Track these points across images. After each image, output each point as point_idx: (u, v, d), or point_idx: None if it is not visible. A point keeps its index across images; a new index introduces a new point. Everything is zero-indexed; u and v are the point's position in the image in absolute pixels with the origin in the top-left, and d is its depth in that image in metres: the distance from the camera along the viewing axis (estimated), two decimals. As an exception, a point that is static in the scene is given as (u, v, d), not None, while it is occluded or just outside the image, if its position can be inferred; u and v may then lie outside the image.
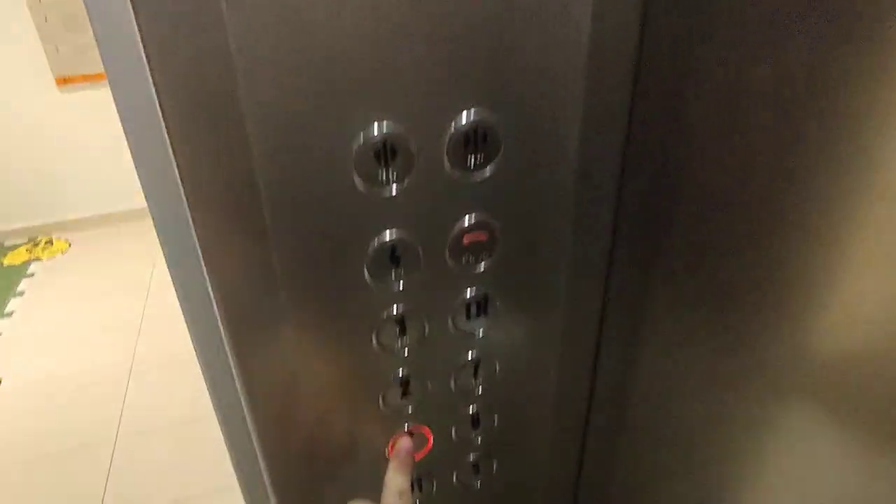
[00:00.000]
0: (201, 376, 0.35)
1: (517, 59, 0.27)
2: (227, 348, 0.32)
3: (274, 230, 0.29)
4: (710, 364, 0.32)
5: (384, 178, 0.29)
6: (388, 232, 0.30)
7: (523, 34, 0.27)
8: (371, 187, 0.29)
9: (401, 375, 0.35)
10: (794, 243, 0.25)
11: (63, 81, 2.73)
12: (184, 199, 0.28)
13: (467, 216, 0.31)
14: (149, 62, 0.24)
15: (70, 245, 2.96)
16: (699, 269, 0.31)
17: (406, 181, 0.29)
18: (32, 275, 2.72)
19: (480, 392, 0.38)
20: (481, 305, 0.34)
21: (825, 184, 0.23)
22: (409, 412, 0.37)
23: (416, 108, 0.28)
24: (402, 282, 0.32)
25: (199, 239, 0.29)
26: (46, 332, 2.32)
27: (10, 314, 2.43)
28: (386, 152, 0.28)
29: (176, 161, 0.27)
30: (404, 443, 0.38)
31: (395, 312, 0.33)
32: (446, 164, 0.29)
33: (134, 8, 0.23)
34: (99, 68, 2.62)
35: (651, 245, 0.34)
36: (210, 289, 0.30)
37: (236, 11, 0.24)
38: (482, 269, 0.33)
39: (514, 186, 0.31)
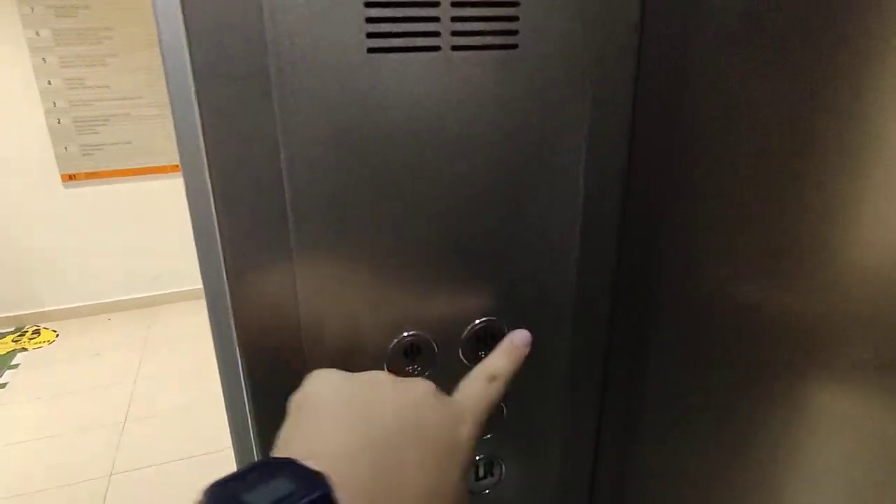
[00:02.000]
0: (187, 477, 0.39)
1: (516, 279, 0.35)
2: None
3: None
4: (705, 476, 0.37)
5: (411, 370, 0.35)
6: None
7: (520, 264, 0.35)
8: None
9: None
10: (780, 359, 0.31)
11: (68, 178, 2.84)
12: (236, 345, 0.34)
13: (477, 397, 0.37)
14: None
15: (57, 335, 2.95)
16: (691, 389, 0.37)
17: (427, 373, 0.36)
18: (17, 366, 2.70)
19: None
20: (488, 466, 0.40)
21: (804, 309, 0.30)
22: None
23: (439, 318, 0.35)
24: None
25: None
26: (26, 429, 2.27)
27: (-9, 408, 2.39)
28: (412, 350, 0.35)
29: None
30: (523, 335, 0.33)
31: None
32: (462, 358, 0.36)
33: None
34: (102, 167, 2.75)
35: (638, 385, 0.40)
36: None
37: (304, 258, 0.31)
38: (489, 435, 0.39)
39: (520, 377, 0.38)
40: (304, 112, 0.28)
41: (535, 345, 0.34)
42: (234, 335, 0.34)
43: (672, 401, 0.39)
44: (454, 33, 0.29)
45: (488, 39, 0.30)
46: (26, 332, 3.00)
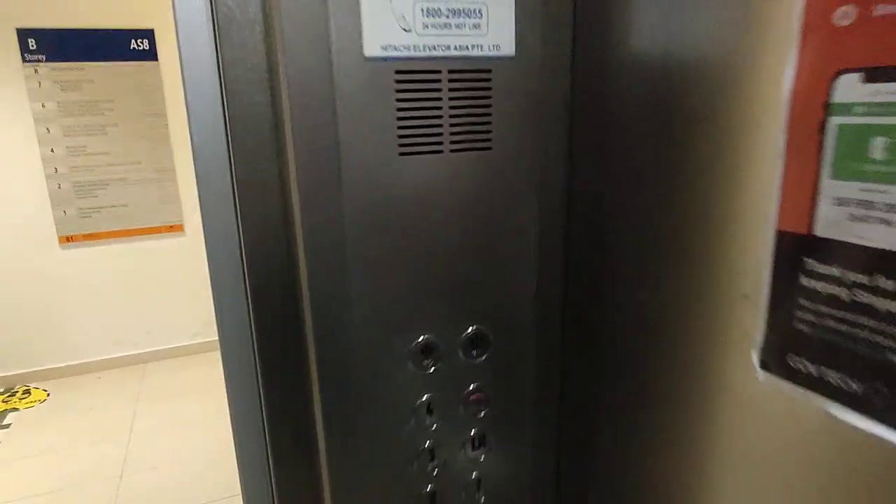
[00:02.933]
0: None
1: (493, 301, 0.51)
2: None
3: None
4: None
5: (426, 364, 0.51)
6: (426, 395, 0.52)
7: (496, 290, 0.51)
8: (417, 369, 0.51)
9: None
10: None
11: (66, 240, 2.96)
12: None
13: (472, 385, 0.53)
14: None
15: (49, 394, 2.99)
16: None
17: (439, 364, 0.51)
18: (8, 426, 2.72)
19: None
20: (481, 438, 0.55)
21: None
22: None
23: (444, 325, 0.51)
24: (434, 423, 0.53)
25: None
26: (24, 484, 2.29)
27: (-17, 468, 2.41)
28: (427, 349, 0.51)
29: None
30: None
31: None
32: (461, 355, 0.52)
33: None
34: (99, 228, 2.87)
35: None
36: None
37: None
38: (482, 416, 0.54)
39: (500, 368, 0.53)
40: (347, 188, 0.45)
41: (507, 348, 0.50)
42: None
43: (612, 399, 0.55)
44: (451, 141, 0.46)
45: (472, 144, 0.47)
46: (16, 391, 3.03)
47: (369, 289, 0.47)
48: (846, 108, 0.28)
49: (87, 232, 2.98)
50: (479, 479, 0.56)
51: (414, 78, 0.43)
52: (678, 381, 0.46)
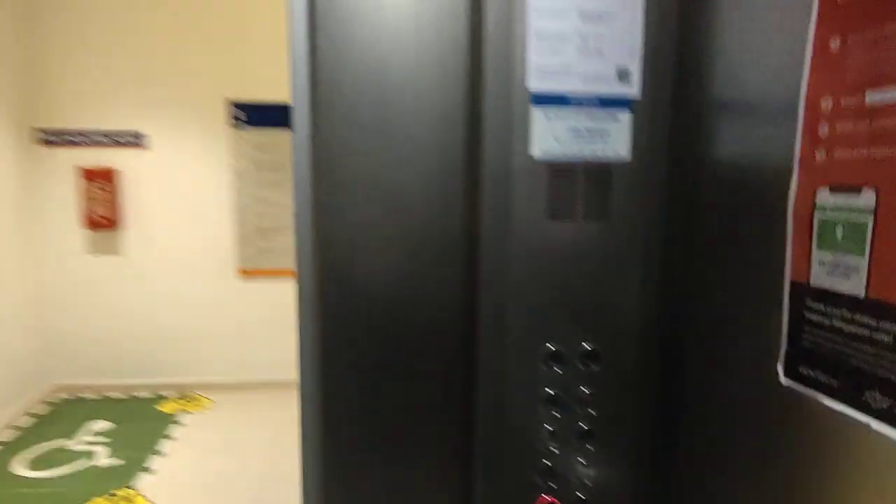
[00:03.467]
0: None
1: (610, 324, 0.72)
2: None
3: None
4: None
5: (553, 366, 0.73)
6: (550, 389, 0.73)
7: (611, 317, 0.72)
8: (547, 369, 0.72)
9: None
10: None
11: (244, 273, 3.56)
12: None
13: (585, 387, 0.73)
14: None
15: (213, 403, 3.52)
16: None
17: (563, 368, 0.73)
18: (181, 424, 3.25)
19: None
20: (589, 431, 0.75)
21: None
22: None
23: (568, 340, 0.72)
24: (555, 411, 0.74)
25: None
26: (192, 477, 2.74)
27: (163, 454, 2.91)
28: (555, 356, 0.72)
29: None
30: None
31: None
32: (579, 365, 0.73)
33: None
34: (272, 266, 3.42)
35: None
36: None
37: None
38: (590, 413, 0.74)
39: (607, 378, 0.73)
40: (515, 237, 0.69)
41: (613, 365, 0.71)
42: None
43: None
44: (583, 212, 0.69)
45: (596, 214, 0.70)
46: (188, 397, 3.60)
47: (523, 308, 0.70)
48: (822, 208, 0.48)
49: (263, 268, 3.56)
50: (584, 464, 0.75)
51: (561, 171, 0.68)
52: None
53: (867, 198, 0.44)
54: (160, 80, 3.50)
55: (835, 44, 0.47)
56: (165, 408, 3.42)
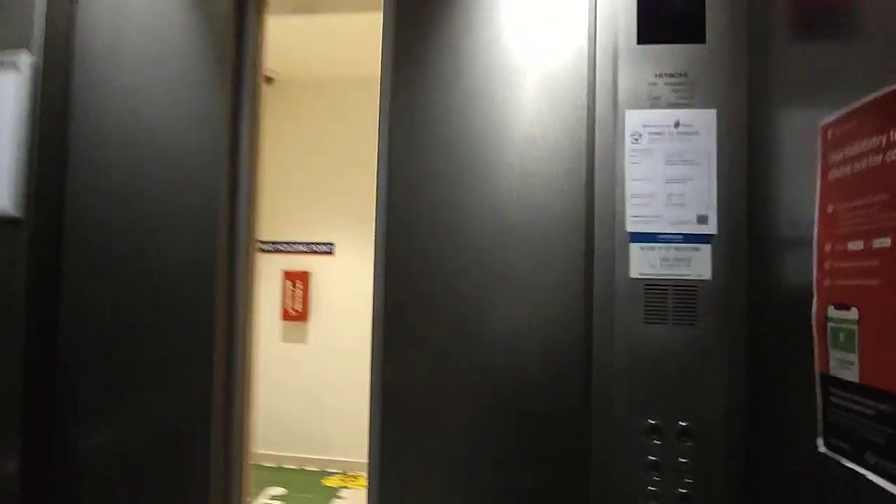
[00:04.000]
0: None
1: (702, 409, 0.92)
2: None
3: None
4: None
5: (654, 438, 0.93)
6: (652, 456, 0.93)
7: (703, 402, 0.92)
8: (648, 440, 0.93)
9: None
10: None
11: (404, 364, 3.99)
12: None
13: (681, 458, 0.92)
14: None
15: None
16: None
17: (662, 440, 0.93)
18: (343, 498, 3.62)
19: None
20: (686, 495, 0.92)
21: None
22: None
23: (667, 418, 0.93)
24: (656, 476, 0.93)
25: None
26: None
27: (326, 524, 3.27)
28: (655, 430, 0.93)
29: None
30: None
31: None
32: (676, 439, 0.92)
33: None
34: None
35: None
36: None
37: (618, 385, 0.94)
38: (686, 480, 0.92)
39: (699, 453, 0.92)
40: (619, 337, 0.93)
41: (705, 442, 0.90)
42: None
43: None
44: (673, 319, 0.93)
45: (685, 321, 0.92)
46: (349, 475, 3.98)
47: (625, 391, 0.94)
48: (831, 319, 0.68)
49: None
50: (682, 523, 0.92)
51: (654, 288, 0.93)
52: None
53: (854, 312, 0.65)
54: (347, 193, 4.28)
55: (830, 208, 0.70)
56: (330, 482, 3.83)
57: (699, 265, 0.92)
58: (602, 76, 0.98)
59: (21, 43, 1.10)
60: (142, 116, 1.18)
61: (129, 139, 1.18)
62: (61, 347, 1.18)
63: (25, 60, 1.09)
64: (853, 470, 0.66)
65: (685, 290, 0.92)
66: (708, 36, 0.95)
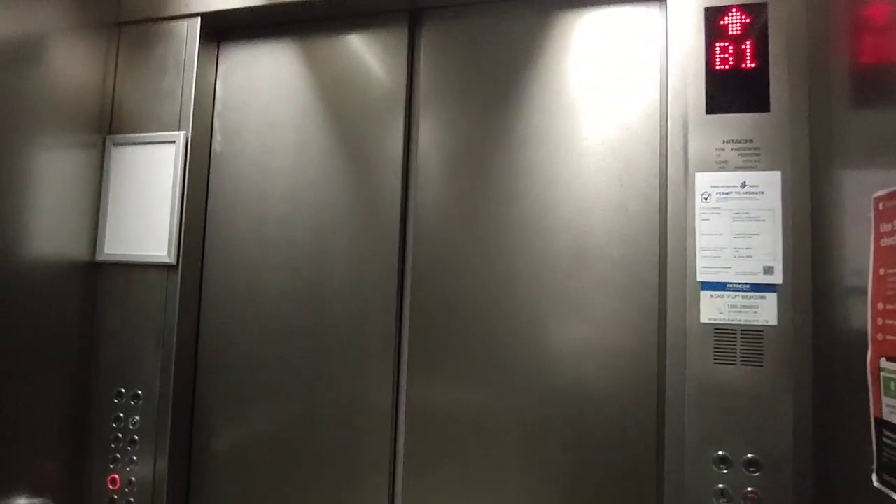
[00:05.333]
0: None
1: (771, 442, 1.02)
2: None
3: (687, 474, 1.05)
4: None
5: (722, 468, 1.03)
6: (721, 485, 1.03)
7: (771, 436, 1.02)
8: (718, 469, 1.03)
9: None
10: None
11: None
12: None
13: (748, 487, 1.02)
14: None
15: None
16: None
17: (729, 470, 1.03)
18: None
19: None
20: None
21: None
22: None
23: (735, 449, 1.03)
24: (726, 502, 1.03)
25: None
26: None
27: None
28: (724, 460, 1.03)
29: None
30: None
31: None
32: (743, 469, 1.02)
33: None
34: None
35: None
36: None
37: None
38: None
39: (767, 483, 1.01)
40: (690, 377, 1.05)
41: (772, 472, 0.99)
42: None
43: None
44: (741, 359, 1.03)
45: (752, 361, 1.02)
46: None
47: (697, 424, 1.05)
48: (884, 370, 0.78)
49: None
50: (752, 547, 1.02)
51: (722, 332, 1.04)
52: None
53: (902, 366, 0.74)
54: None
55: (882, 271, 0.80)
56: None
57: (765, 312, 1.03)
58: (673, 143, 1.10)
59: (178, 124, 1.35)
60: (267, 174, 1.40)
61: (255, 194, 1.40)
62: (199, 368, 1.41)
63: (181, 137, 1.33)
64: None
65: (752, 334, 1.03)
66: (772, 105, 1.06)
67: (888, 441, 0.77)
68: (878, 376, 0.79)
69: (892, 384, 0.76)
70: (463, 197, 1.28)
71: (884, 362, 0.78)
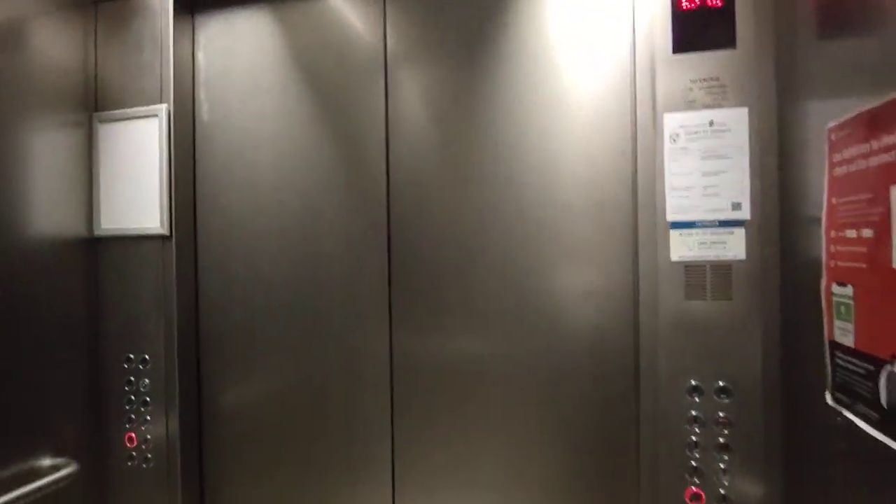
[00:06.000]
0: None
1: (740, 370, 1.06)
2: None
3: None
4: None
5: (695, 396, 1.08)
6: (693, 412, 1.08)
7: (741, 364, 1.06)
8: (690, 398, 1.08)
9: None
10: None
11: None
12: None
13: (720, 413, 1.07)
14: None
15: None
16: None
17: (702, 398, 1.08)
18: None
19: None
20: (725, 446, 1.07)
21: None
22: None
23: (707, 379, 1.08)
24: (697, 429, 1.08)
25: None
26: None
27: None
28: (696, 389, 1.08)
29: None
30: None
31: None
32: (714, 396, 1.07)
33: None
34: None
35: None
36: None
37: (664, 353, 1.10)
38: (726, 433, 1.07)
39: (738, 408, 1.06)
40: (662, 310, 1.09)
41: (743, 399, 1.04)
42: None
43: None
44: (711, 294, 1.07)
45: (721, 295, 1.06)
46: None
47: (669, 355, 1.09)
48: (835, 294, 0.81)
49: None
50: (722, 471, 1.08)
51: (692, 268, 1.07)
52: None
53: (850, 289, 0.78)
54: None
55: (833, 201, 0.82)
56: None
57: (734, 247, 1.06)
58: (641, 84, 1.11)
59: (160, 97, 1.38)
60: (255, 141, 1.43)
61: (245, 160, 1.44)
62: (202, 331, 1.48)
63: (163, 110, 1.36)
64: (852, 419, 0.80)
65: (721, 269, 1.06)
66: (738, 41, 1.06)
67: (840, 362, 0.81)
68: (831, 301, 0.83)
69: (842, 308, 0.80)
70: (436, 149, 1.30)
71: (835, 287, 0.82)
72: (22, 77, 1.25)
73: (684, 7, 1.09)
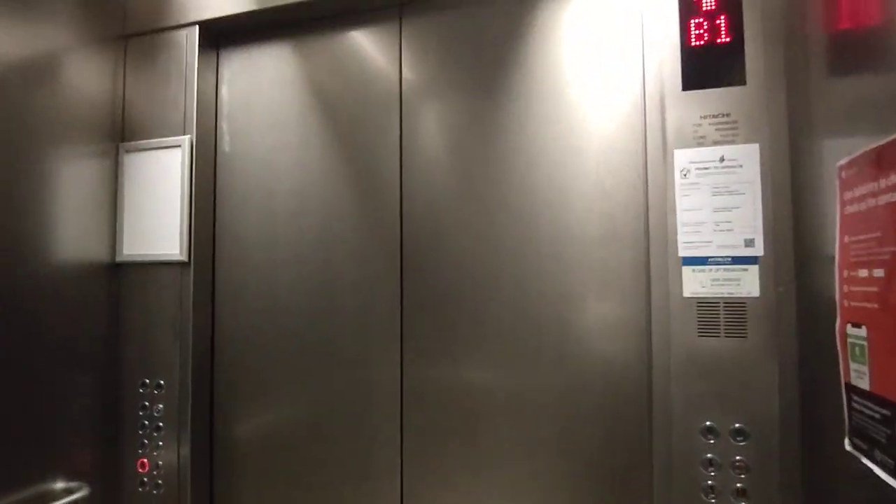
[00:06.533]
0: None
1: (758, 413, 1.03)
2: None
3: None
4: None
5: (709, 438, 1.05)
6: (709, 454, 1.05)
7: (759, 407, 1.03)
8: (705, 439, 1.05)
9: None
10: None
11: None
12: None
13: (737, 456, 1.04)
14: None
15: None
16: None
17: (717, 440, 1.05)
18: None
19: None
20: (742, 491, 1.04)
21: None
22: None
23: (722, 419, 1.05)
24: (714, 471, 1.05)
25: None
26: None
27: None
28: (710, 430, 1.05)
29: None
30: None
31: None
32: (730, 439, 1.04)
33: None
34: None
35: None
36: None
37: (677, 391, 1.08)
38: (743, 476, 1.03)
39: (754, 451, 1.03)
40: (674, 350, 1.07)
41: (759, 441, 1.01)
42: None
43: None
44: (725, 331, 1.04)
45: (736, 334, 1.04)
46: None
47: (683, 394, 1.07)
48: (849, 335, 0.79)
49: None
50: (741, 514, 1.04)
51: (705, 305, 1.06)
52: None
53: (864, 330, 0.76)
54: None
55: (846, 239, 0.81)
56: None
57: (748, 284, 1.04)
58: (651, 121, 1.12)
59: (184, 129, 1.42)
60: (274, 172, 1.47)
61: (264, 190, 1.47)
62: (216, 358, 1.49)
63: (186, 141, 1.41)
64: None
65: (735, 307, 1.04)
66: (748, 78, 1.06)
67: (856, 406, 0.79)
68: (846, 342, 0.81)
69: (857, 349, 0.77)
70: (449, 183, 1.32)
71: (849, 328, 0.79)
72: (55, 108, 1.31)
73: (693, 44, 1.09)
